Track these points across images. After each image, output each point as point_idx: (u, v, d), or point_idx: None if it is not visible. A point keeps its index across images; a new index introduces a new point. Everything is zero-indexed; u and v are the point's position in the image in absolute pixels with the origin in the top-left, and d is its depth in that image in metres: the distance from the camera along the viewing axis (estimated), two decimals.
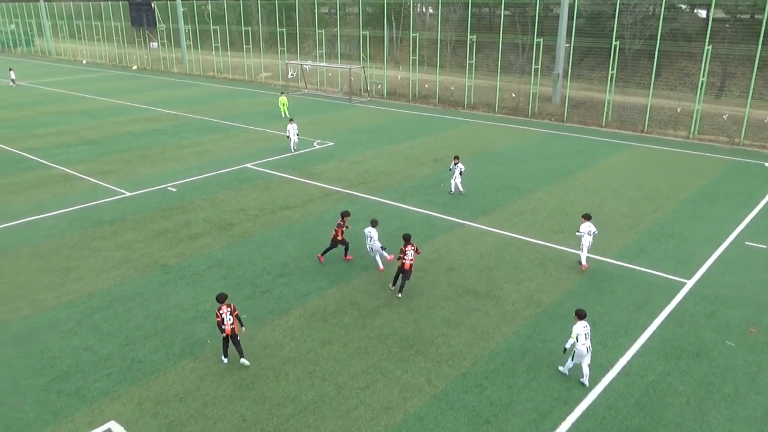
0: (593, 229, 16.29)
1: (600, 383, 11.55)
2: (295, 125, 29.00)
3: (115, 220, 20.04)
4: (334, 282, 15.64)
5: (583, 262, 16.40)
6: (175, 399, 11.14)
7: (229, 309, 11.88)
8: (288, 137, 29.06)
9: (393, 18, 51.95)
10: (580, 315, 11.43)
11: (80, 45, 78.14)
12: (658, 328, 13.50)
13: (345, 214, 16.61)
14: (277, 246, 17.91)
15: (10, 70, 54.37)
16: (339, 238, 16.42)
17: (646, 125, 34.22)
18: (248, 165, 26.57)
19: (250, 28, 56.41)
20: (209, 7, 60.62)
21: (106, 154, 28.61)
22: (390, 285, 15.30)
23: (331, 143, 30.67)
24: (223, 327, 11.80)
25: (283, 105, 36.75)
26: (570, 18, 36.67)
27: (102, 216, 20.39)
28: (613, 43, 34.36)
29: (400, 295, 14.83)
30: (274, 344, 12.86)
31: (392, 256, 15.94)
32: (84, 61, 74.52)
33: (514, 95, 41.30)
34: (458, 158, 22.37)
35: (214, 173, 25.31)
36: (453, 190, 22.39)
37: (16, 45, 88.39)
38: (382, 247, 16.06)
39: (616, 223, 19.71)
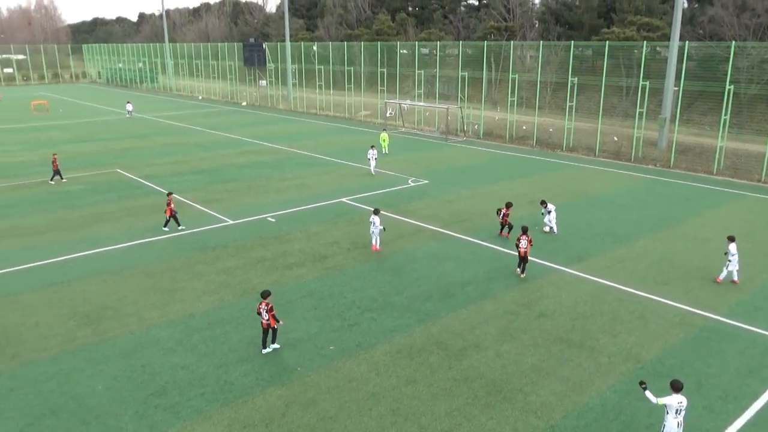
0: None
1: None
2: (374, 150, 32.51)
3: (218, 246, 21.14)
4: (421, 320, 15.57)
5: (720, 278, 17.96)
6: (261, 424, 11.41)
7: (266, 307, 13.65)
8: (368, 159, 32.31)
9: (492, 59, 52.18)
10: (676, 387, 10.26)
11: (197, 82, 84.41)
12: None
13: (509, 205, 21.97)
14: (367, 280, 18.14)
15: (128, 102, 60.98)
16: (506, 220, 21.82)
17: (763, 174, 31.87)
18: (344, 199, 27.28)
19: (352, 68, 58.62)
20: (315, 48, 63.75)
21: (214, 184, 30.42)
22: (518, 273, 18.42)
23: (425, 181, 30.91)
24: (261, 320, 13.75)
25: (384, 141, 38.18)
26: (679, 61, 35.25)
27: (206, 242, 21.59)
28: (727, 87, 32.57)
29: (523, 275, 18.26)
30: (360, 378, 12.92)
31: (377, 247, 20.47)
32: (200, 97, 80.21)
33: (616, 139, 39.95)
34: (545, 202, 22.88)
35: (311, 206, 26.19)
36: (555, 230, 22.65)
37: (142, 81, 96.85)
38: (383, 229, 20.38)
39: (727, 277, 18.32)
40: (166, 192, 23.99)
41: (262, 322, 13.81)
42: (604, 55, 38.66)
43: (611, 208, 25.97)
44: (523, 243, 17.94)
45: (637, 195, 28.53)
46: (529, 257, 18.29)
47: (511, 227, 21.83)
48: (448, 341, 14.48)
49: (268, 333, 13.90)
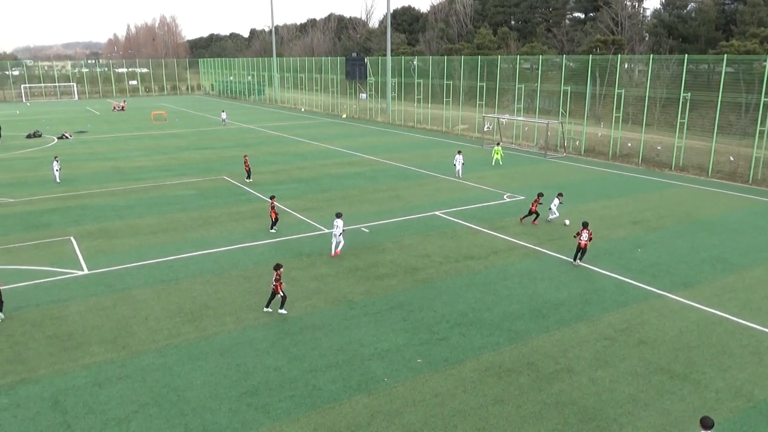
0: None
1: None
2: (461, 156, 34.82)
3: (313, 253, 21.77)
4: (512, 339, 15.20)
5: None
6: (347, 431, 11.56)
7: (276, 276, 16.15)
8: (454, 165, 34.97)
9: (597, 74, 50.37)
10: (706, 425, 9.49)
11: (300, 95, 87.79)
12: None
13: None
14: (457, 295, 17.98)
15: (222, 111, 67.75)
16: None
17: None
18: (437, 213, 27.25)
19: (451, 82, 58.66)
20: (415, 62, 64.42)
21: (311, 193, 31.41)
22: (572, 261, 20.46)
23: (521, 197, 30.27)
24: (273, 284, 16.25)
25: (497, 153, 39.92)
26: None
27: (302, 248, 22.29)
28: None
29: (576, 262, 20.27)
30: (445, 393, 12.80)
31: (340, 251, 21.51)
32: (302, 109, 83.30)
33: (732, 159, 37.25)
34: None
35: (404, 218, 26.37)
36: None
37: (250, 93, 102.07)
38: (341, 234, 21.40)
39: None
40: (270, 196, 25.39)
41: (275, 287, 16.27)
42: (721, 70, 36.25)
43: (723, 233, 24.20)
44: (584, 236, 19.85)
45: (753, 220, 26.40)
46: (587, 248, 20.27)
47: (537, 215, 25.22)
48: (539, 363, 14.04)
49: (275, 297, 16.47)
